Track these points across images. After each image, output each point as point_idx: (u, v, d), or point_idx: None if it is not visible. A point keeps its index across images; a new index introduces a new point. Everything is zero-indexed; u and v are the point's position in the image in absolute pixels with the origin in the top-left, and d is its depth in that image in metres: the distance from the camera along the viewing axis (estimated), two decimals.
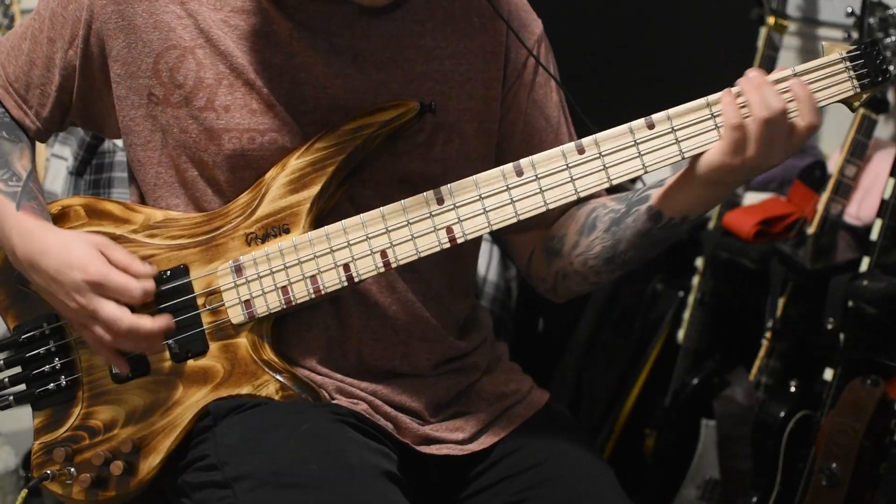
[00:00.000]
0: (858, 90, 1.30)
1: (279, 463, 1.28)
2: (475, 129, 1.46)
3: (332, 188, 1.38)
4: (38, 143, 1.53)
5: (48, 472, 1.41)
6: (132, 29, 1.40)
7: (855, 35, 2.11)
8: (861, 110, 2.14)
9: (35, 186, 1.43)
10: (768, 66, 2.35)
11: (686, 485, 2.38)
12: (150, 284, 1.35)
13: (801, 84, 1.28)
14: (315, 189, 1.37)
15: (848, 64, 1.30)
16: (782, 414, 2.11)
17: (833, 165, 2.22)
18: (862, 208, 2.20)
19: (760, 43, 2.38)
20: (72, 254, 1.33)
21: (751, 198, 2.43)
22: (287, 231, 1.37)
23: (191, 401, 1.38)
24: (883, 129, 2.37)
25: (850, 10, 2.12)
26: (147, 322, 1.34)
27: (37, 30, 1.46)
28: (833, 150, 2.38)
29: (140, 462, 1.40)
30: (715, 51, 2.63)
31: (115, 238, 1.41)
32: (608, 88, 2.74)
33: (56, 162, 2.37)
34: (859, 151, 2.15)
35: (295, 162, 1.37)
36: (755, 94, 1.27)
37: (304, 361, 1.42)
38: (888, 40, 2.09)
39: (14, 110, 1.49)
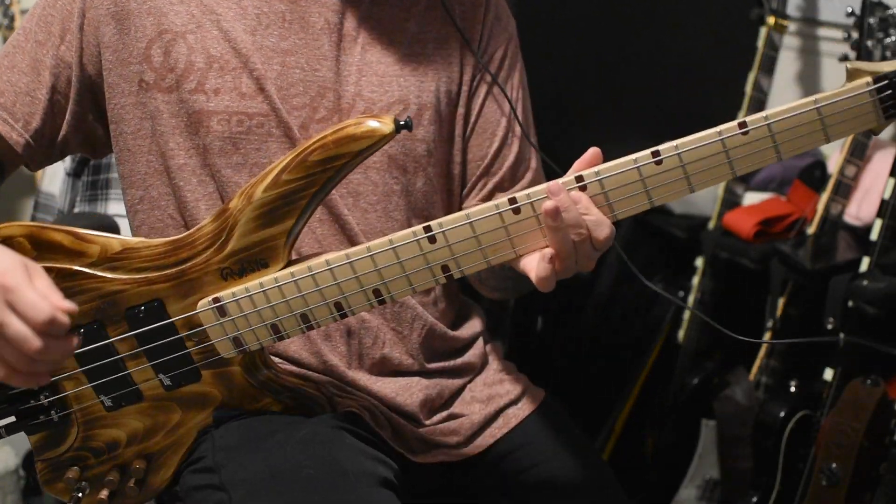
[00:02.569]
0: (884, 121, 1.20)
1: (275, 467, 1.28)
2: (450, 112, 1.49)
3: (307, 217, 1.29)
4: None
5: (76, 496, 1.37)
6: (126, 14, 1.40)
7: (855, 35, 2.10)
8: None
9: None
10: (768, 66, 2.35)
11: (686, 485, 2.38)
12: (62, 317, 1.16)
13: (587, 200, 1.22)
14: (290, 223, 1.27)
15: (875, 96, 1.19)
16: (782, 414, 2.10)
17: (833, 165, 2.22)
18: (862, 208, 2.20)
19: (760, 43, 2.38)
20: None
21: (751, 198, 2.43)
22: (265, 265, 1.28)
23: (193, 422, 1.36)
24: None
25: (850, 10, 2.12)
26: (59, 344, 1.18)
27: (23, 40, 1.44)
28: (833, 150, 2.38)
29: (151, 476, 1.38)
30: (715, 51, 2.63)
31: (73, 273, 1.31)
32: (607, 88, 2.74)
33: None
34: (859, 151, 2.15)
35: (262, 195, 1.27)
36: (552, 224, 1.22)
37: (299, 361, 1.42)
38: (888, 40, 2.09)
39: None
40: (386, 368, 1.46)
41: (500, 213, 1.23)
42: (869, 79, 1.19)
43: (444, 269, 1.25)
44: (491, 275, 1.50)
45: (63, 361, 1.29)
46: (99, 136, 1.48)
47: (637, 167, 1.21)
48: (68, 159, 2.27)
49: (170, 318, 1.31)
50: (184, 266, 1.30)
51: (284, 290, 1.28)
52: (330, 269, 1.27)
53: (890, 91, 1.18)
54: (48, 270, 1.27)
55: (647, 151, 1.20)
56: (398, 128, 1.25)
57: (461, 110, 1.51)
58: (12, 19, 2.73)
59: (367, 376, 1.44)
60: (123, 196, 1.49)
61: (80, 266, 1.31)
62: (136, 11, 1.40)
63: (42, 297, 1.16)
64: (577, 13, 2.76)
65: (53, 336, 1.17)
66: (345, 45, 1.43)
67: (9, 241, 1.30)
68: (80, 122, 1.46)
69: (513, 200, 1.23)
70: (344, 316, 1.28)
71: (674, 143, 1.20)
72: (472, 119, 1.52)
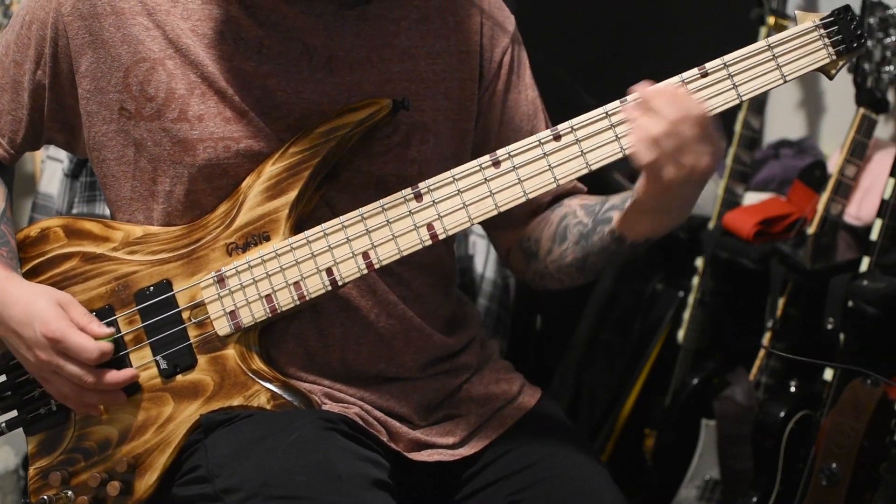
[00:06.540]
0: (834, 57, 1.28)
1: (268, 474, 1.28)
2: (450, 128, 1.46)
3: (310, 192, 1.38)
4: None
5: (45, 497, 1.41)
6: (100, 44, 1.39)
7: None
8: (861, 110, 2.14)
9: (7, 229, 1.43)
10: None
11: (686, 485, 2.38)
12: (107, 346, 1.36)
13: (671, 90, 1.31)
14: (292, 194, 1.37)
15: (822, 31, 1.28)
16: (782, 414, 2.11)
17: (833, 165, 2.22)
18: (862, 208, 2.20)
19: None
20: (34, 309, 1.35)
21: (751, 198, 2.43)
22: (267, 238, 1.37)
23: (183, 416, 1.38)
24: (883, 129, 2.36)
25: None
26: (111, 376, 1.36)
27: (2, 55, 1.46)
28: (833, 150, 2.38)
29: (136, 480, 1.40)
30: (715, 51, 2.62)
31: (95, 256, 1.42)
32: (606, 89, 2.73)
33: (52, 164, 2.37)
34: (859, 151, 2.15)
35: (271, 168, 1.37)
36: (645, 118, 1.28)
37: (288, 371, 1.42)
38: (888, 40, 2.09)
39: None
40: (381, 379, 1.45)
41: (481, 168, 1.33)
42: (816, 17, 1.28)
43: (429, 227, 1.34)
44: (598, 245, 1.43)
45: (118, 388, 1.39)
46: (74, 143, 1.50)
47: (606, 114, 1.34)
48: (66, 161, 2.27)
49: (173, 293, 1.39)
50: (195, 245, 1.39)
51: (282, 258, 1.36)
52: (324, 234, 1.35)
53: (836, 27, 1.28)
54: (74, 255, 1.42)
55: (617, 102, 1.34)
56: (395, 106, 1.37)
57: (468, 126, 1.48)
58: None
59: (362, 391, 1.44)
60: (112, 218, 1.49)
61: (103, 250, 1.42)
62: (111, 41, 1.39)
63: (84, 337, 1.34)
64: (575, 14, 2.76)
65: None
66: (331, 67, 1.40)
67: (46, 232, 1.44)
68: (58, 136, 1.49)
69: (493, 156, 1.33)
70: (335, 284, 1.35)
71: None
72: (494, 134, 1.49)
